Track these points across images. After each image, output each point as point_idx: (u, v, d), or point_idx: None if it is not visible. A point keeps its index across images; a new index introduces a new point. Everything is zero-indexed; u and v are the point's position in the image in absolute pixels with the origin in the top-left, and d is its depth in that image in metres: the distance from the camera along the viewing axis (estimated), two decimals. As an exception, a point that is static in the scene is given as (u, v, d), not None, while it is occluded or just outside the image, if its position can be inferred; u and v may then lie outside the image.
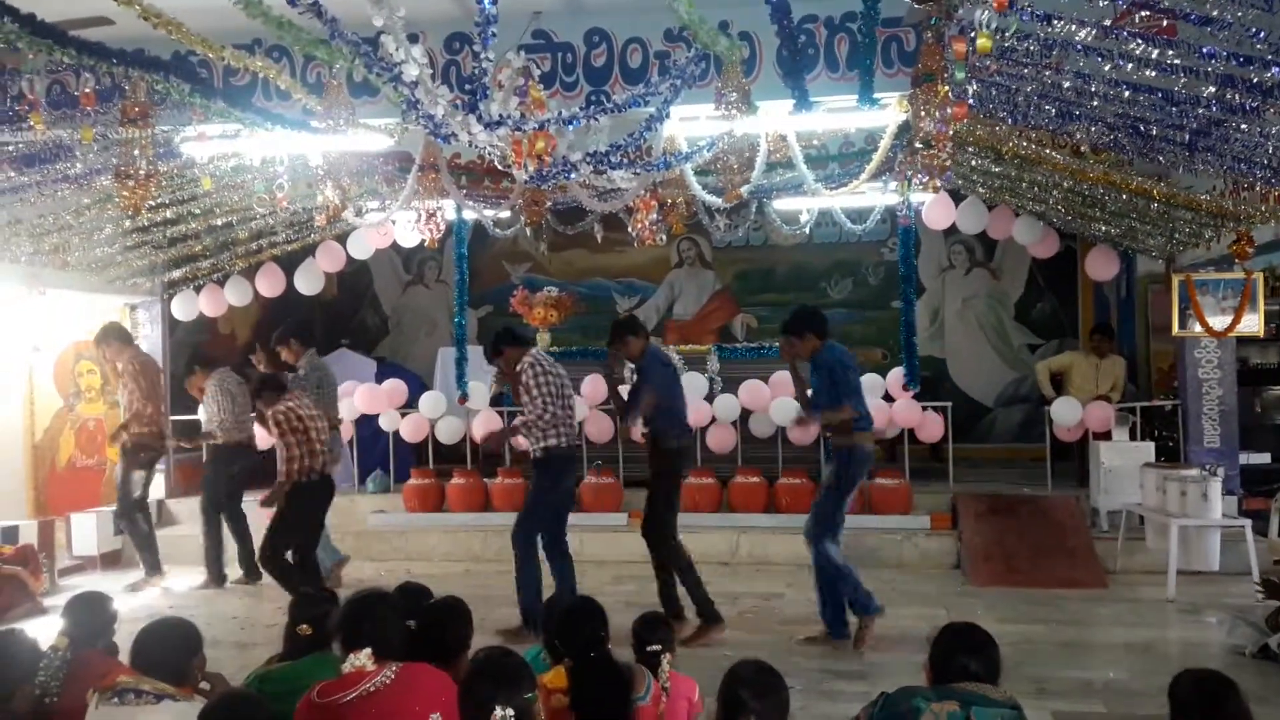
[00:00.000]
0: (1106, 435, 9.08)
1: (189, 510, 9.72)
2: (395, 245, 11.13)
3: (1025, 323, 12.74)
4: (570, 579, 6.75)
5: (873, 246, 12.75)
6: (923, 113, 4.89)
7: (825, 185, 7.71)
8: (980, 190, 9.36)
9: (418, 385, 10.84)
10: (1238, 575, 7.56)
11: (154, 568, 8.46)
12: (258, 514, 7.84)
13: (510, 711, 2.77)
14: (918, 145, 5.05)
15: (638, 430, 7.03)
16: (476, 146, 4.57)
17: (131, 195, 5.82)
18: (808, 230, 10.32)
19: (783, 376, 9.01)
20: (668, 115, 5.32)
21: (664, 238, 8.21)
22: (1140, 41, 4.33)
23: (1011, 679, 3.60)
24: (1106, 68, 4.65)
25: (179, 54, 6.41)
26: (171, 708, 3.23)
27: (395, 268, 13.90)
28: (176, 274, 10.36)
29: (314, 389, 8.30)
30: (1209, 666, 3.47)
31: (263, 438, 9.01)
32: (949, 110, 4.81)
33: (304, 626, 3.88)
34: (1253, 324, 8.24)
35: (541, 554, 6.81)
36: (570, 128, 4.72)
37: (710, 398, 9.54)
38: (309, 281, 10.94)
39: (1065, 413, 9.25)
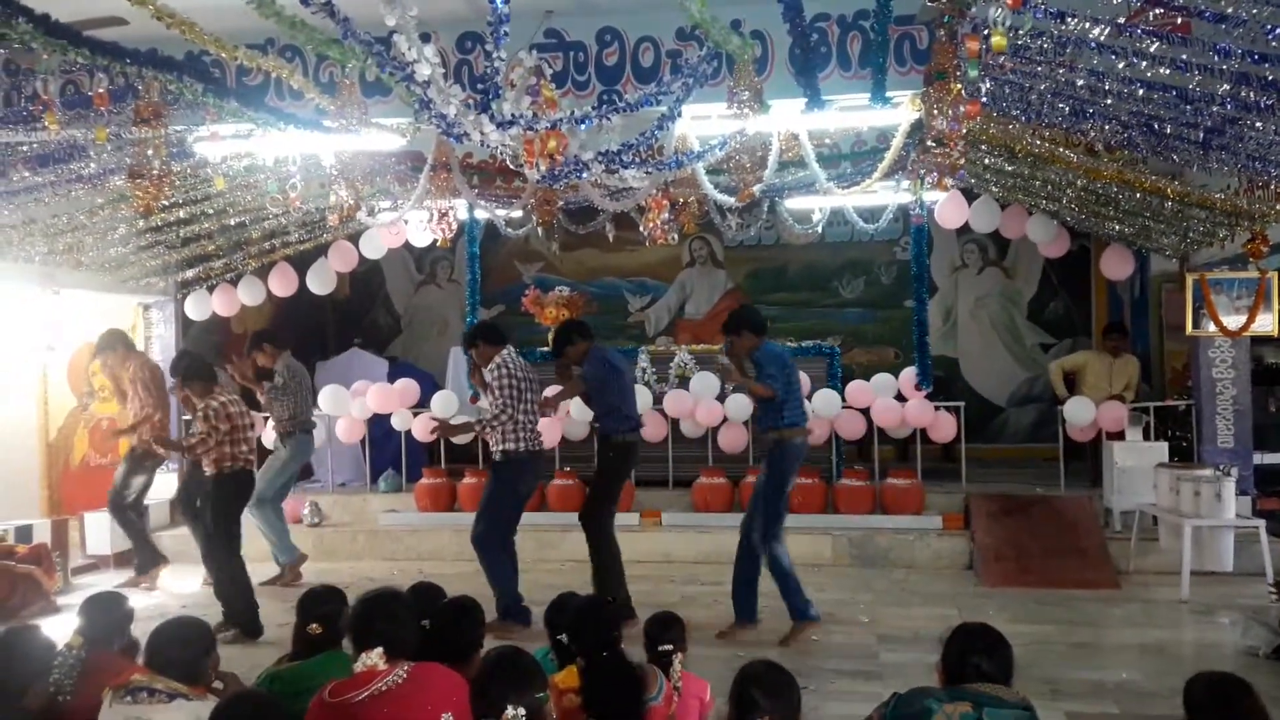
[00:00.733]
0: (1120, 435, 9.04)
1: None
2: (408, 245, 11.15)
3: (1038, 322, 12.71)
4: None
5: (885, 245, 12.72)
6: (935, 111, 4.88)
7: (837, 184, 7.69)
8: (993, 189, 9.32)
9: (430, 385, 10.85)
10: (1251, 576, 7.52)
11: (150, 562, 8.46)
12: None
13: (522, 711, 2.78)
14: (930, 144, 5.03)
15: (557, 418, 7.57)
16: (489, 146, 4.57)
17: (145, 195, 5.86)
18: (820, 229, 10.29)
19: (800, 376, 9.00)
20: (679, 114, 5.32)
21: (676, 237, 8.21)
22: (1154, 39, 4.31)
23: (1024, 680, 3.60)
24: (1120, 65, 4.63)
25: (192, 54, 6.44)
26: (184, 706, 3.24)
27: (407, 267, 13.92)
28: (190, 274, 10.40)
29: (294, 391, 8.45)
30: (1222, 668, 3.46)
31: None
32: (962, 108, 4.79)
33: (314, 625, 3.88)
34: (1267, 323, 8.21)
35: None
36: (582, 127, 4.71)
37: (721, 398, 9.52)
38: (321, 281, 10.97)
39: (1078, 412, 9.22)
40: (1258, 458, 9.03)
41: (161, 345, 10.39)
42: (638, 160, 5.73)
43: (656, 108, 5.34)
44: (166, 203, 7.82)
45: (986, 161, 8.10)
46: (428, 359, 13.05)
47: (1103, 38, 4.41)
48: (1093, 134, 6.18)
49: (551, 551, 8.86)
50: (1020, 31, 4.37)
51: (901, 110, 6.21)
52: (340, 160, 6.75)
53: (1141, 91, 4.92)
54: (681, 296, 13.52)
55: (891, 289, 12.85)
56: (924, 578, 8.38)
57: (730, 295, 13.31)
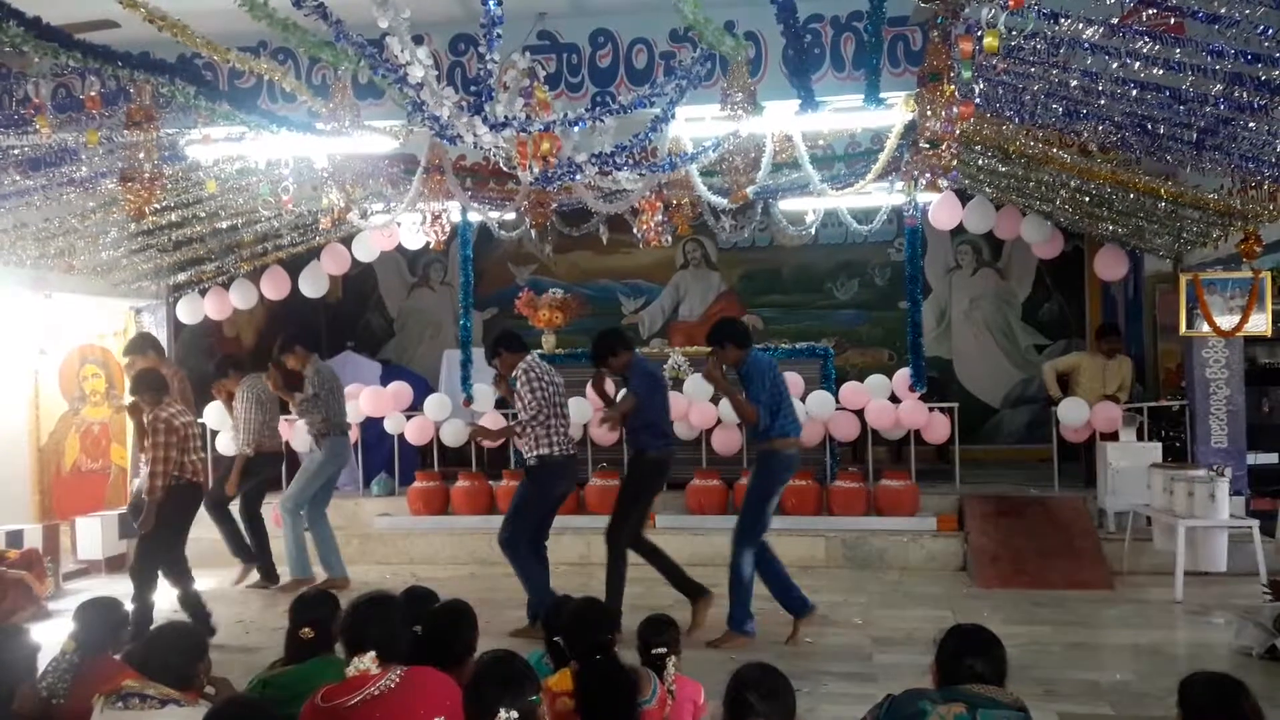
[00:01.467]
0: (1114, 436, 9.05)
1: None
2: (400, 247, 11.12)
3: (1032, 323, 12.72)
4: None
5: (879, 247, 12.71)
6: (929, 112, 4.88)
7: (831, 186, 7.69)
8: (987, 190, 9.33)
9: (423, 388, 10.83)
10: (1245, 576, 7.52)
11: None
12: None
13: (515, 714, 2.77)
14: (923, 145, 5.03)
15: (604, 431, 7.01)
16: (482, 148, 4.57)
17: (136, 198, 5.84)
18: (813, 231, 10.31)
19: (793, 378, 8.99)
20: (673, 116, 5.31)
21: (669, 239, 8.19)
22: (1148, 39, 4.32)
23: (1018, 681, 3.59)
24: (1114, 66, 4.63)
25: (184, 57, 6.41)
26: (176, 712, 3.23)
27: (400, 270, 13.90)
28: (181, 277, 10.36)
29: (326, 395, 8.33)
30: (1216, 668, 3.46)
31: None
32: (955, 109, 4.79)
33: (306, 630, 3.87)
34: (1260, 323, 8.22)
35: None
36: (575, 129, 4.71)
37: (715, 400, 9.51)
38: (314, 284, 10.93)
39: (1072, 413, 9.22)
40: (1251, 458, 9.06)
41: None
42: (631, 162, 5.72)
43: (650, 109, 5.33)
44: (158, 206, 7.81)
45: (980, 162, 8.11)
46: (421, 362, 13.04)
47: (1096, 38, 4.42)
48: (1086, 135, 6.19)
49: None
50: (1014, 32, 4.38)
51: (895, 111, 6.20)
52: (333, 163, 6.73)
53: (1135, 92, 4.93)
54: (675, 299, 13.52)
55: (885, 290, 12.85)
56: (918, 579, 8.38)
57: (724, 297, 13.32)
